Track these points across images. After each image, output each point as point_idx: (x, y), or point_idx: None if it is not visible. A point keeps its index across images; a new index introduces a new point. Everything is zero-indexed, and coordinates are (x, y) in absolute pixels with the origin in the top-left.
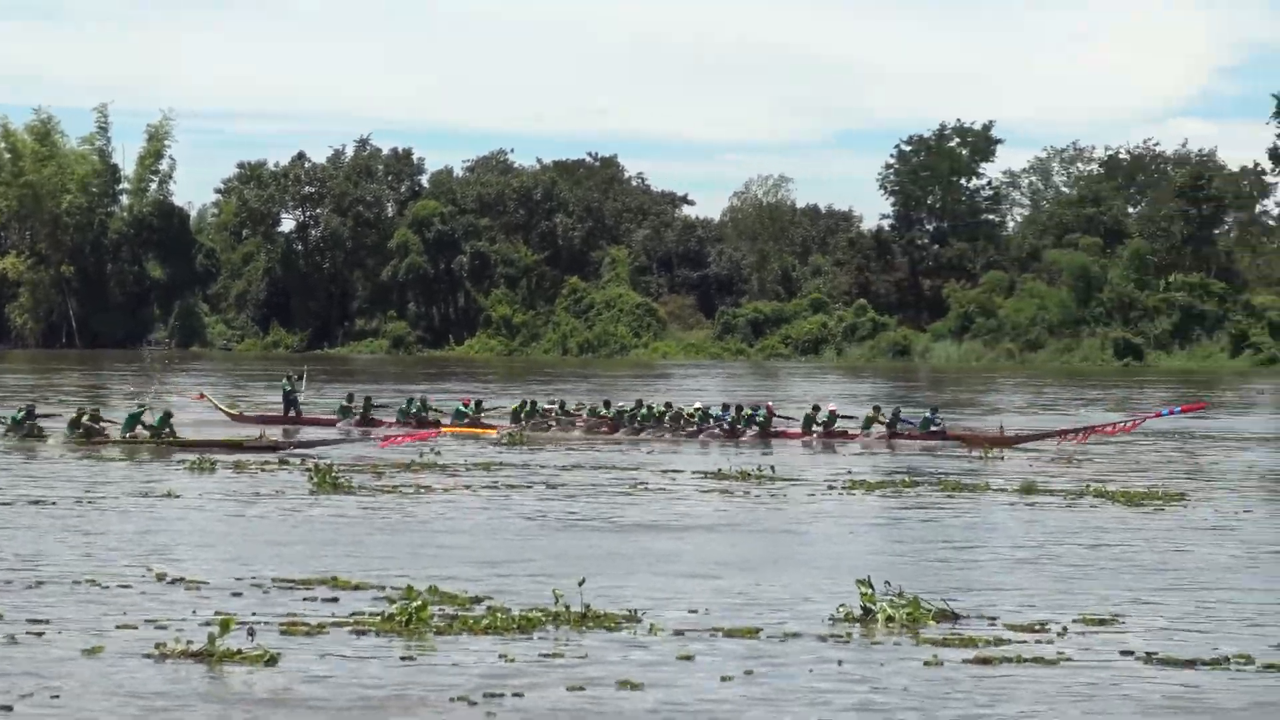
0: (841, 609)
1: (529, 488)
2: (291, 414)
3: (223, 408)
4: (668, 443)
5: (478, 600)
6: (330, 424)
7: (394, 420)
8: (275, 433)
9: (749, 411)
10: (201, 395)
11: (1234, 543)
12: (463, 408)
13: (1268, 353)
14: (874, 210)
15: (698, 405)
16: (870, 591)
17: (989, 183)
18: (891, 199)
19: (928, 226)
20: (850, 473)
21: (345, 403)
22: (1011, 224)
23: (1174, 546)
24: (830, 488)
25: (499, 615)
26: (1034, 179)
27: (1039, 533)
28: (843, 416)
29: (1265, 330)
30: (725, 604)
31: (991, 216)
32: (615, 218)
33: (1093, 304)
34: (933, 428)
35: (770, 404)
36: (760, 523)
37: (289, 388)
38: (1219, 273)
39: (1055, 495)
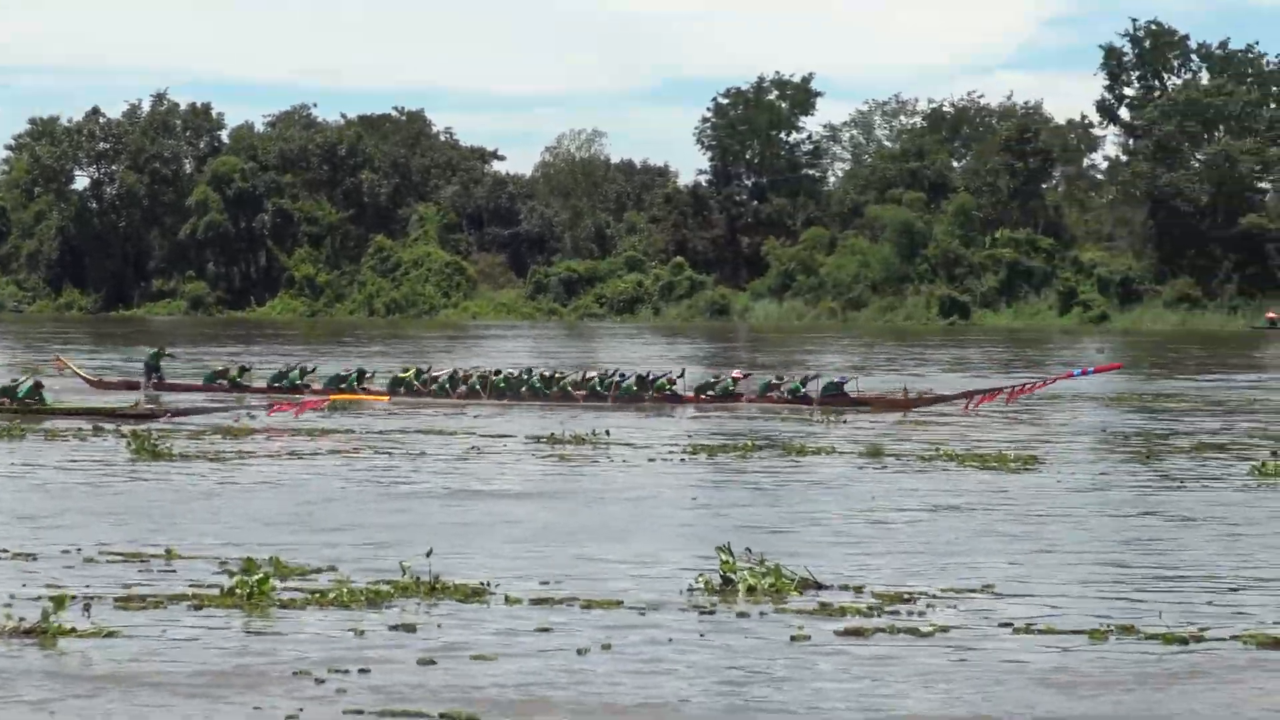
0: (701, 578)
1: (357, 454)
2: (154, 380)
3: (82, 374)
4: (572, 408)
5: (320, 572)
6: (196, 390)
7: (265, 387)
8: (140, 398)
9: (650, 375)
10: (59, 360)
11: (1095, 507)
12: (343, 374)
13: (1097, 310)
14: (690, 165)
15: (592, 373)
16: (730, 560)
17: (809, 137)
18: (708, 154)
19: (746, 182)
20: (690, 436)
21: (216, 369)
22: (832, 179)
23: (1036, 511)
24: (671, 452)
25: (345, 588)
26: (855, 133)
27: (893, 497)
28: (744, 375)
29: (1094, 287)
30: (578, 574)
31: (812, 171)
32: (423, 174)
33: (917, 261)
34: (837, 393)
35: (673, 374)
36: (601, 489)
37: (153, 361)
38: (1046, 228)
39: (904, 459)
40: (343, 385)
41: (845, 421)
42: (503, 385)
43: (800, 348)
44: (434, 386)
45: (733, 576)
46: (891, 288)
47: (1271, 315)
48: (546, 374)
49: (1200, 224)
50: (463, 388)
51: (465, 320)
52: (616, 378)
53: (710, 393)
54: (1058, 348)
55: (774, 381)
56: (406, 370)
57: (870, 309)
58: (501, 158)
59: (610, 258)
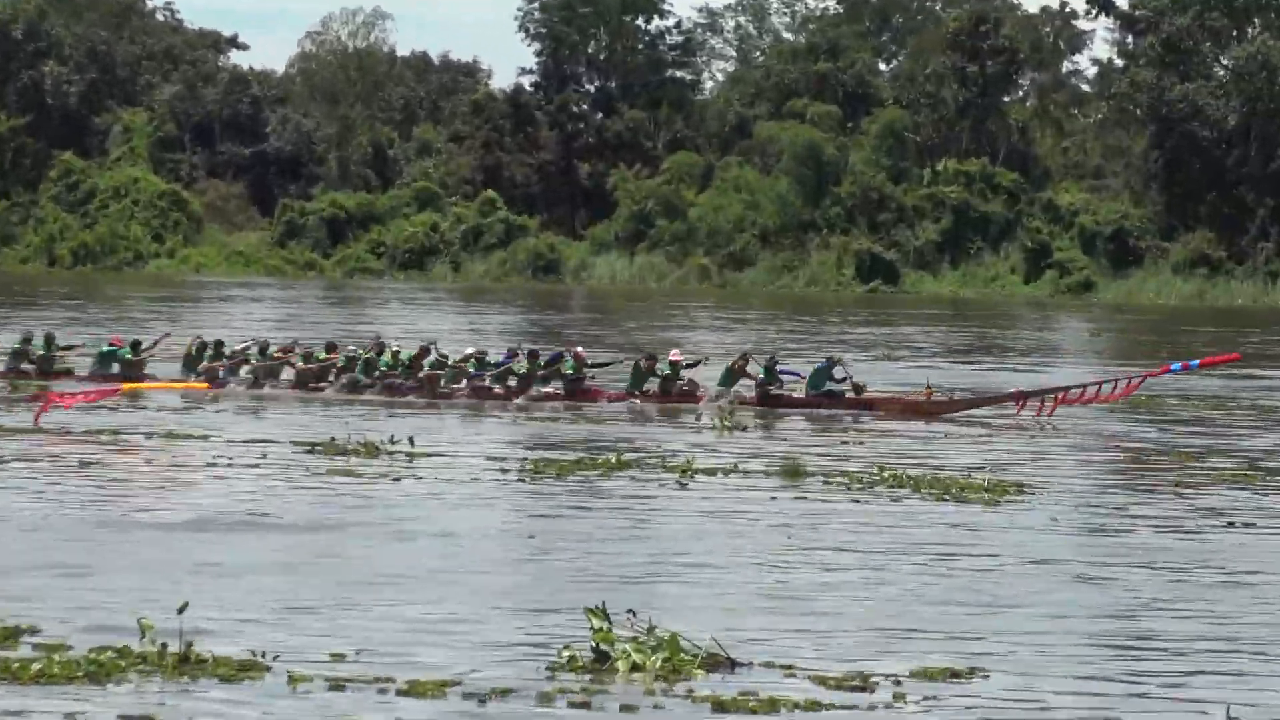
0: (564, 652)
1: (58, 463)
2: None
3: None
4: (421, 403)
5: (18, 634)
6: None
7: (2, 369)
8: None
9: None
10: None
11: (1108, 555)
12: (110, 348)
13: (1079, 274)
14: (509, 62)
15: (471, 351)
16: (605, 626)
17: (677, 25)
18: (536, 46)
19: (587, 87)
20: (531, 446)
21: None
22: (710, 85)
23: (1025, 561)
24: (503, 469)
25: (55, 657)
26: (742, 20)
27: (822, 538)
28: (688, 366)
29: (1075, 242)
30: (388, 642)
31: (680, 74)
32: (131, 67)
33: (826, 202)
34: (830, 385)
35: (580, 350)
36: (408, 521)
37: None
38: (1009, 158)
39: (833, 483)
40: (124, 373)
41: (746, 428)
42: (343, 366)
43: (660, 322)
44: (244, 370)
45: (609, 650)
46: (790, 239)
47: None
48: (397, 351)
49: (1225, 156)
50: (292, 370)
51: (186, 275)
52: (504, 358)
53: (644, 388)
54: (1032, 327)
55: (735, 367)
56: (202, 347)
57: (759, 269)
58: (243, 47)
59: (394, 190)
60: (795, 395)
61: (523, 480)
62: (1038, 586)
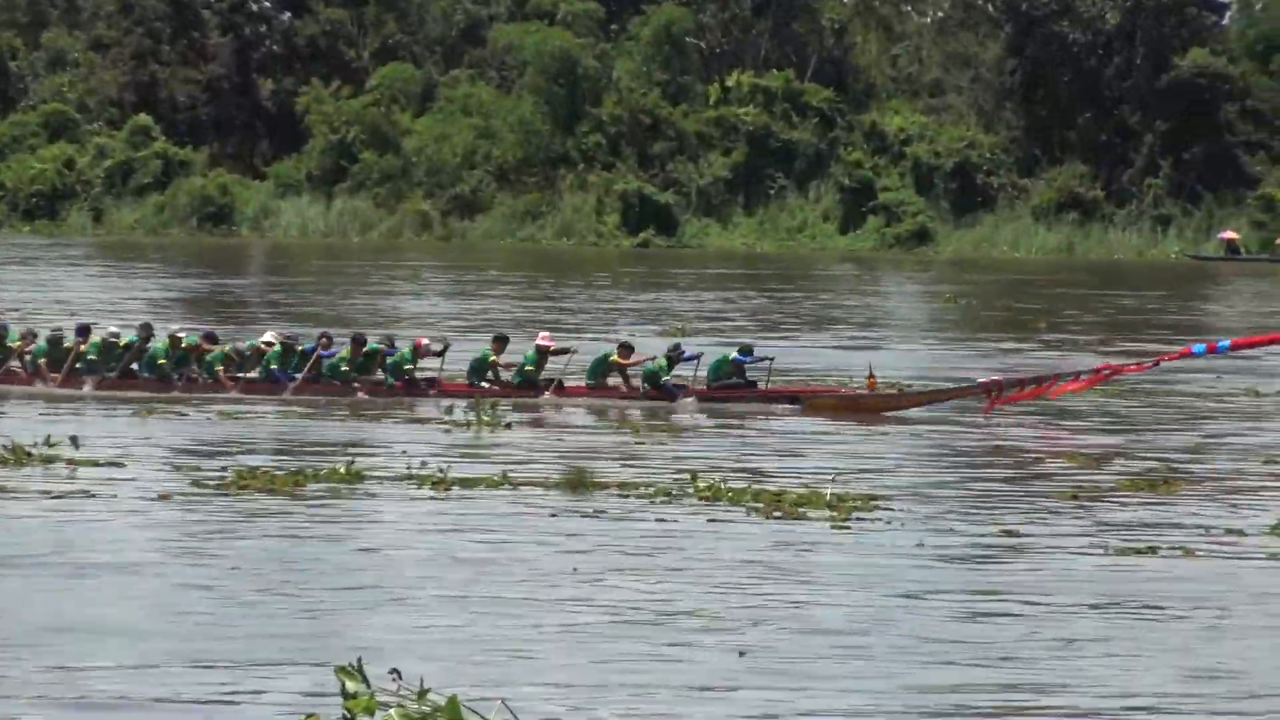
0: None
1: None
2: None
3: None
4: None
5: None
6: None
7: None
8: None
9: (376, 345)
10: None
11: (997, 589)
12: None
13: (912, 222)
14: None
15: (268, 337)
16: (363, 691)
17: None
18: None
19: None
20: (232, 447)
21: None
22: None
23: (887, 596)
24: (195, 479)
25: None
26: None
27: (622, 569)
28: (556, 352)
29: (907, 180)
30: (71, 712)
31: None
32: None
33: (583, 129)
34: (737, 379)
35: (423, 339)
36: (65, 549)
37: None
38: (821, 70)
39: (627, 496)
40: None
41: (510, 426)
42: (93, 359)
43: (369, 287)
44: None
45: None
46: (536, 177)
47: (1230, 235)
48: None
49: (1103, 67)
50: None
51: None
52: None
53: (486, 379)
54: (854, 292)
55: (616, 358)
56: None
57: (495, 215)
58: None
59: (16, 115)
60: (694, 386)
61: (223, 494)
62: (903, 630)
